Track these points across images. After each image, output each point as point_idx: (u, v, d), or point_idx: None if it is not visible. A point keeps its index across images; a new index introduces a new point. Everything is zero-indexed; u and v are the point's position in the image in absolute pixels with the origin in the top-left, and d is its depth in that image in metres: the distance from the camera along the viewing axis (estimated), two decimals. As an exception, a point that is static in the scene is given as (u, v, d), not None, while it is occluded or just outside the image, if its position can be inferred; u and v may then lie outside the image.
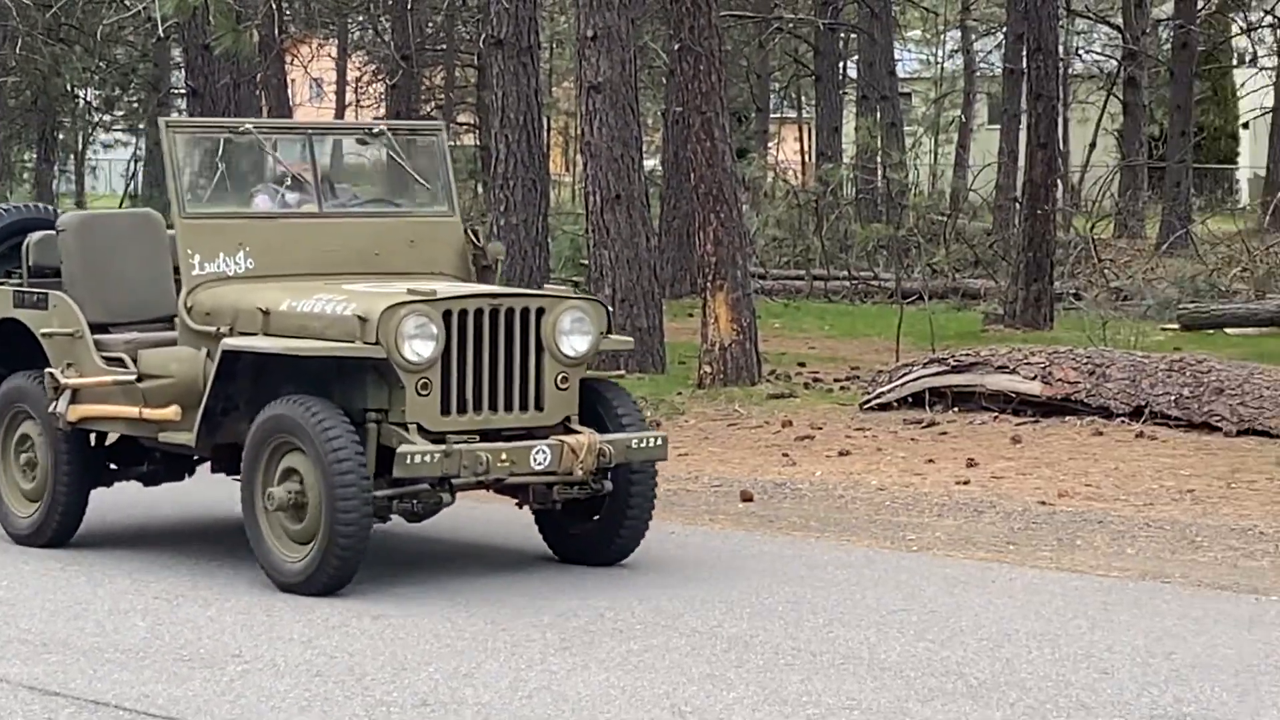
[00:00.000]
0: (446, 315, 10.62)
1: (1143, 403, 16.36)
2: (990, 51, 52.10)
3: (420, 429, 10.59)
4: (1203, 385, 16.21)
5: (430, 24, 42.27)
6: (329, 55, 53.21)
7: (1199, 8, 38.81)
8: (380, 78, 47.42)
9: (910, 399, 17.79)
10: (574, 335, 11.05)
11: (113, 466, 12.56)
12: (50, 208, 14.53)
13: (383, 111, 44.52)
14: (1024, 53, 27.52)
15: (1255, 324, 25.75)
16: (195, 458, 12.16)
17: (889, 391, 17.96)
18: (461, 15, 41.17)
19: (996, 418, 16.92)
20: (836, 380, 20.83)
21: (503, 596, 10.98)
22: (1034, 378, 17.03)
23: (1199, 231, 35.89)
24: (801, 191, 36.26)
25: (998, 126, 43.10)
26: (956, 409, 17.41)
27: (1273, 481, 14.14)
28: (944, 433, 16.62)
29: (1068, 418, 16.71)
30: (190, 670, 9.36)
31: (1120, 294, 27.83)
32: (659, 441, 11.36)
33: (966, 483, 14.41)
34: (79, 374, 11.58)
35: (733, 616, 10.41)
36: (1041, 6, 25.83)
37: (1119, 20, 39.06)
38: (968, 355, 18.06)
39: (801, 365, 22.30)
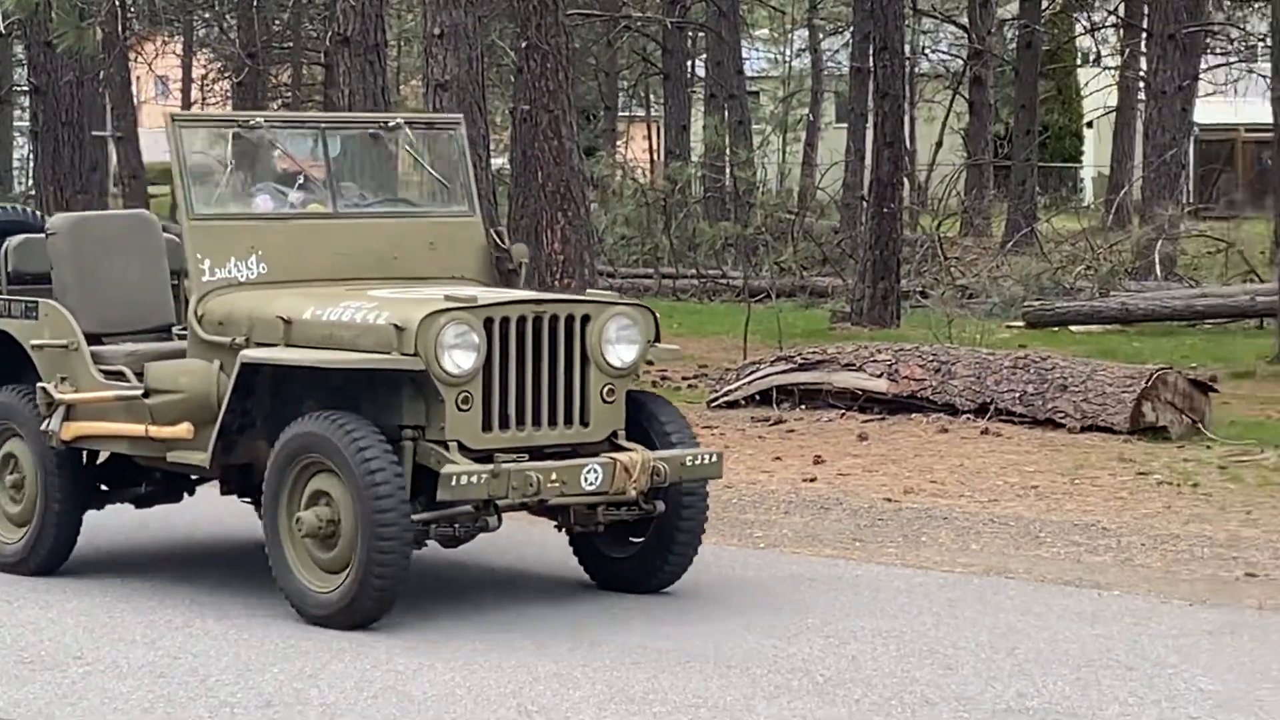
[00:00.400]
0: (488, 323, 9.81)
1: (988, 400, 16.53)
2: (837, 51, 52.36)
3: (460, 447, 9.78)
4: (1047, 382, 16.40)
5: (276, 21, 42.16)
6: (174, 53, 52.79)
7: (1043, 8, 39.28)
8: (226, 75, 47.16)
9: (758, 397, 17.88)
10: (621, 344, 10.31)
11: (103, 488, 11.64)
12: (30, 209, 13.49)
13: (229, 109, 44.15)
14: (870, 52, 27.70)
15: (1099, 321, 26.05)
16: (196, 479, 11.48)
17: (736, 389, 18.06)
18: (308, 13, 41.11)
19: (843, 415, 17.05)
20: (685, 378, 20.87)
21: None
22: (880, 375, 17.21)
23: (1044, 230, 36.19)
24: (650, 190, 36.17)
25: (845, 125, 43.36)
26: (804, 406, 17.50)
27: (1115, 477, 14.34)
28: (791, 430, 16.69)
29: (914, 415, 16.86)
30: (31, 673, 9.20)
31: (966, 292, 28.01)
32: (714, 458, 10.57)
33: (813, 480, 14.51)
34: (75, 389, 10.75)
35: (581, 615, 10.43)
36: (887, 6, 25.96)
37: (964, 20, 39.33)
38: (815, 353, 18.20)
39: (649, 363, 22.26)
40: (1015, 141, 39.15)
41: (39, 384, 10.77)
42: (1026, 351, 18.55)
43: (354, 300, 10.12)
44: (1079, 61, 51.18)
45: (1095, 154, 55.46)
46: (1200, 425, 16.00)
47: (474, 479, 9.55)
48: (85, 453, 11.26)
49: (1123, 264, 30.42)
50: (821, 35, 53.10)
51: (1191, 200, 41.99)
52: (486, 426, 9.84)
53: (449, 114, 12.68)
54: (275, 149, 11.10)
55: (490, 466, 9.62)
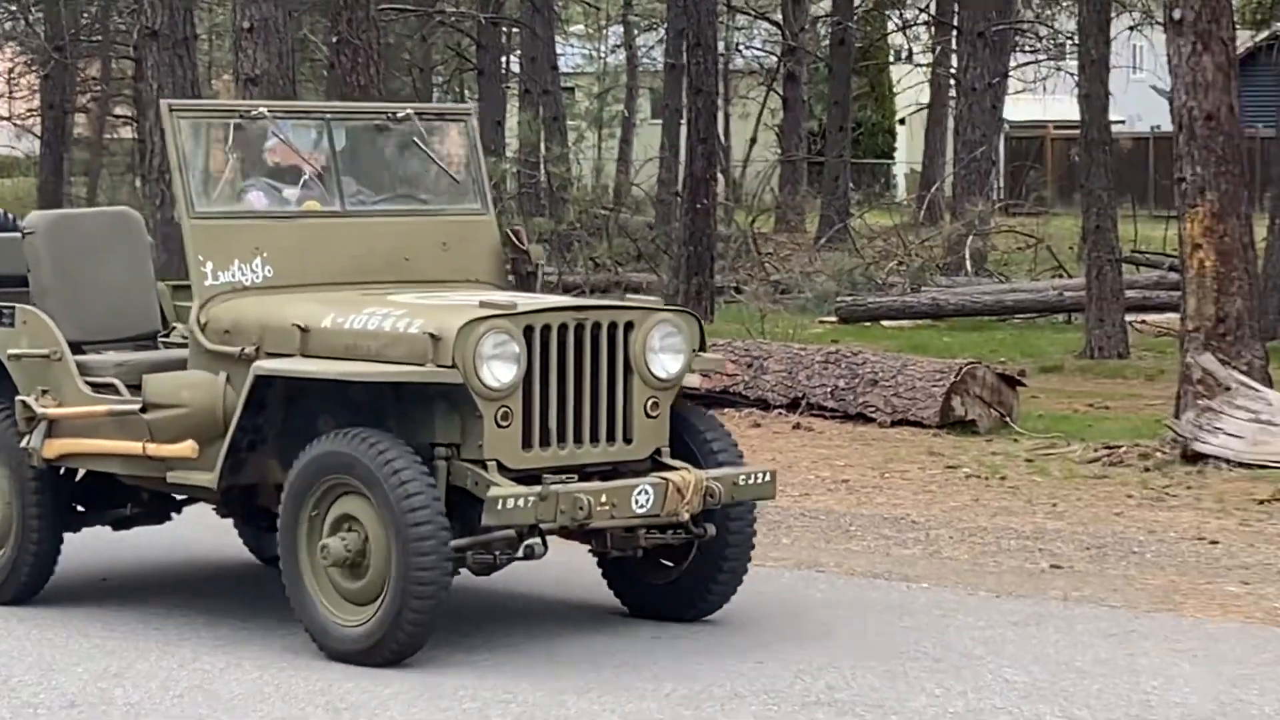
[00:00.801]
0: (528, 332, 8.94)
1: (800, 394, 16.77)
2: (652, 47, 52.44)
3: (499, 466, 8.90)
4: (858, 377, 16.64)
5: (85, 14, 41.72)
6: (-24, 46, 51.97)
7: (856, 5, 39.58)
8: (33, 69, 46.53)
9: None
10: (665, 354, 9.44)
11: (81, 509, 10.54)
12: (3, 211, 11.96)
13: (36, 104, 43.78)
14: (684, 48, 27.80)
15: (910, 316, 26.45)
16: (186, 500, 10.53)
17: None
18: (117, 5, 40.65)
19: (655, 410, 16.97)
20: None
21: (157, 595, 10.61)
22: (693, 370, 17.17)
23: (856, 225, 36.52)
24: (463, 186, 36.06)
25: (660, 121, 43.49)
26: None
27: (924, 471, 14.62)
28: (604, 426, 16.59)
29: (726, 410, 16.88)
30: None
31: (779, 287, 28.27)
32: (767, 477, 9.75)
33: (628, 476, 14.40)
34: (59, 402, 9.73)
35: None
36: (700, 3, 26.19)
37: (778, 17, 39.69)
38: (627, 348, 18.17)
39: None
40: (829, 138, 39.52)
41: (17, 398, 9.79)
42: (838, 347, 18.80)
43: (378, 307, 9.24)
44: (891, 59, 51.67)
45: (908, 150, 56.13)
46: (1008, 419, 16.34)
47: (521, 503, 8.70)
48: (63, 471, 10.20)
49: (934, 260, 30.86)
50: (636, 31, 53.25)
51: (1002, 196, 42.66)
52: (527, 444, 9.00)
53: (460, 105, 11.75)
54: (278, 141, 10.04)
55: (538, 489, 8.80)
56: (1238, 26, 35.63)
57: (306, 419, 9.19)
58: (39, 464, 9.74)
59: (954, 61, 34.91)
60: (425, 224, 10.20)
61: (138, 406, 9.34)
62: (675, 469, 9.33)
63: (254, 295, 9.48)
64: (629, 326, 9.27)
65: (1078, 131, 24.73)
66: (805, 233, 38.25)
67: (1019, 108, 51.65)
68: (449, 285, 9.90)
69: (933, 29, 41.32)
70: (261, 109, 10.04)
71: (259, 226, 9.69)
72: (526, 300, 9.32)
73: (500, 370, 8.71)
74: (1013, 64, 39.84)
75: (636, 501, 9.00)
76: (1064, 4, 39.74)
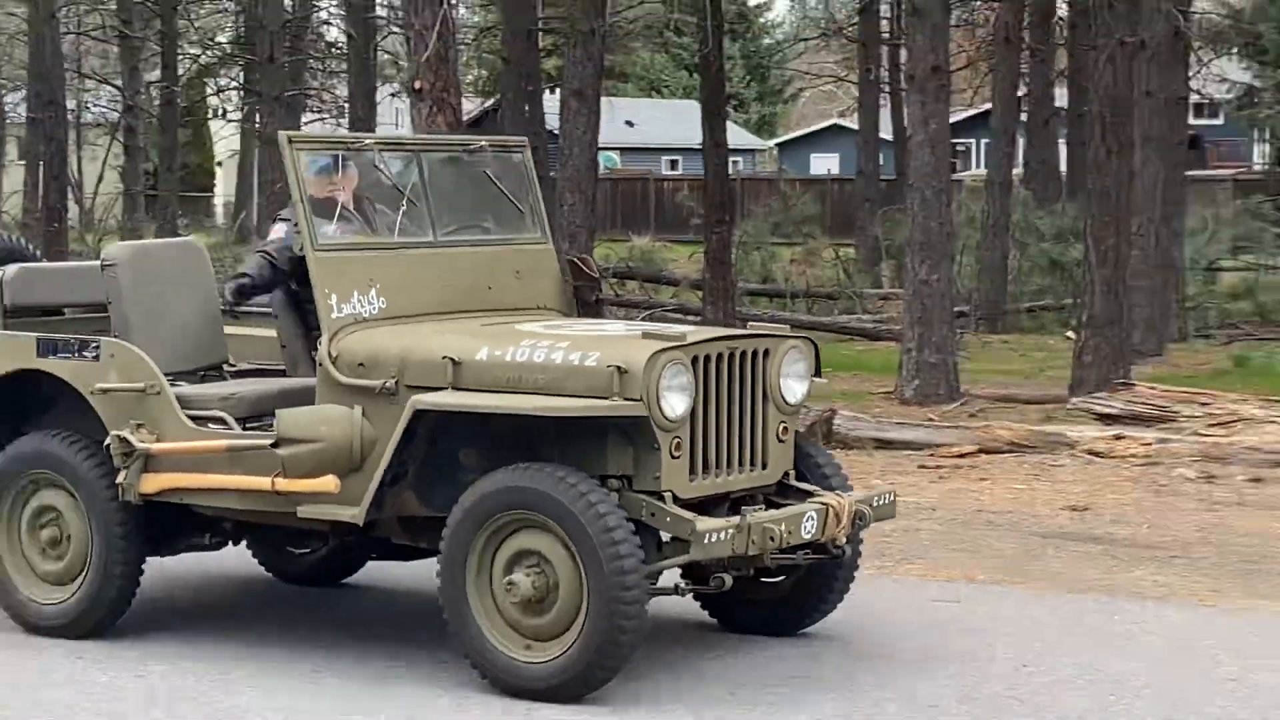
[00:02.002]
0: (694, 362, 7.59)
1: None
2: (19, 103, 52.12)
3: (673, 497, 7.53)
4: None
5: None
6: None
7: (180, 74, 40.32)
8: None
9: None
10: (792, 379, 8.07)
11: (157, 539, 8.66)
12: (19, 238, 10.22)
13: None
14: (40, 105, 28.51)
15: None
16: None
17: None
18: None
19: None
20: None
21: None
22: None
23: (183, 244, 37.36)
24: None
25: (23, 162, 43.60)
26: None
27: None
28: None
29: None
30: None
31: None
32: (892, 499, 8.64)
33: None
34: (156, 437, 7.98)
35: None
36: (52, 69, 27.27)
37: (120, 81, 40.02)
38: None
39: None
40: (161, 176, 40.12)
41: (113, 433, 7.97)
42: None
43: (539, 339, 7.69)
44: (210, 115, 52.37)
45: (225, 185, 57.03)
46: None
47: (724, 535, 7.42)
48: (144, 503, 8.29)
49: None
50: (5, 90, 52.75)
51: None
52: (693, 473, 7.64)
53: (517, 137, 9.63)
54: (380, 172, 8.55)
55: (737, 520, 7.54)
56: (469, 95, 37.66)
57: (449, 452, 7.75)
58: (135, 499, 8.01)
59: (257, 118, 35.89)
60: (501, 253, 8.80)
61: (269, 442, 7.63)
62: (819, 495, 8.11)
63: (378, 327, 7.98)
64: (766, 354, 8.01)
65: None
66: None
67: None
68: (527, 312, 8.60)
69: (242, 93, 42.29)
70: (368, 140, 8.84)
71: (370, 258, 8.22)
72: (687, 331, 7.91)
73: (677, 402, 7.44)
74: (305, 121, 41.33)
75: (805, 528, 7.80)
76: (340, 74, 41.09)
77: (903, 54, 23.32)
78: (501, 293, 8.61)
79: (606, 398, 7.30)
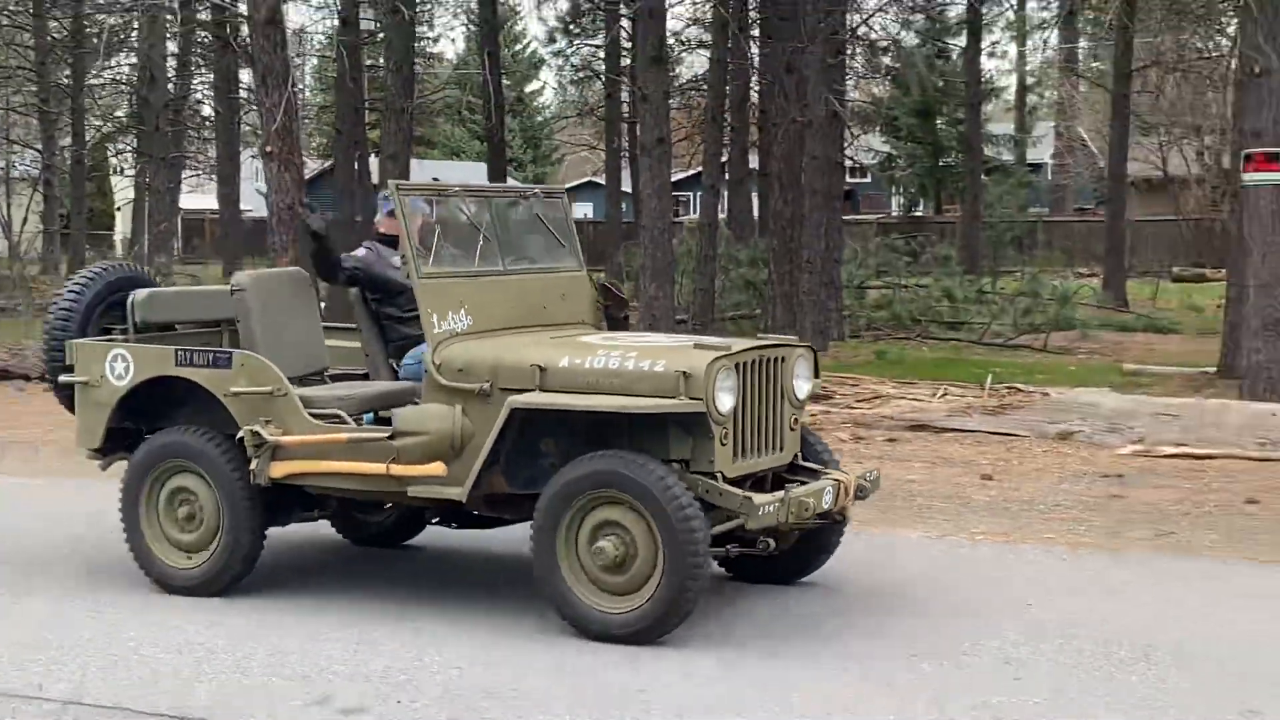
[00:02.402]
0: (737, 368, 7.29)
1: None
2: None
3: (722, 476, 7.22)
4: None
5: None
6: None
7: (87, 140, 39.17)
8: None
9: None
10: (801, 379, 7.80)
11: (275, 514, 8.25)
12: (139, 266, 9.64)
13: None
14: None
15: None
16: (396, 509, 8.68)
17: None
18: None
19: None
20: None
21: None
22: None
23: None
24: None
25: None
26: None
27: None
28: None
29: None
30: None
31: (40, 306, 28.01)
32: (877, 475, 8.27)
33: None
34: (283, 431, 7.59)
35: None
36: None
37: (40, 146, 38.68)
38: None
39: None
40: (73, 219, 38.79)
41: (246, 427, 7.58)
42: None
43: (607, 350, 7.31)
44: (111, 172, 50.94)
45: (123, 226, 55.35)
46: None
47: (773, 508, 7.10)
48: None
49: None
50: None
51: (180, 254, 43.11)
52: (735, 457, 7.33)
53: (557, 186, 8.77)
54: (461, 213, 8.16)
55: (781, 494, 7.22)
56: (310, 156, 37.20)
57: (532, 442, 7.36)
58: (264, 483, 7.64)
59: (147, 175, 34.92)
60: (550, 279, 8.40)
61: (387, 435, 7.36)
62: (828, 472, 7.83)
63: (467, 340, 7.57)
64: (783, 360, 7.70)
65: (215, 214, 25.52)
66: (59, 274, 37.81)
67: (191, 198, 52.61)
68: (573, 326, 8.22)
69: (135, 155, 41.21)
70: (455, 187, 8.27)
71: (460, 283, 7.79)
72: (731, 343, 7.52)
73: (727, 399, 7.13)
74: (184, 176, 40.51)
75: (825, 500, 7.50)
76: (211, 140, 40.33)
77: (637, 129, 23.41)
78: (553, 311, 8.24)
79: (674, 397, 6.97)
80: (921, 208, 47.45)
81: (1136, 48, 26.98)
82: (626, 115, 35.72)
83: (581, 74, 39.57)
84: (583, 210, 65.46)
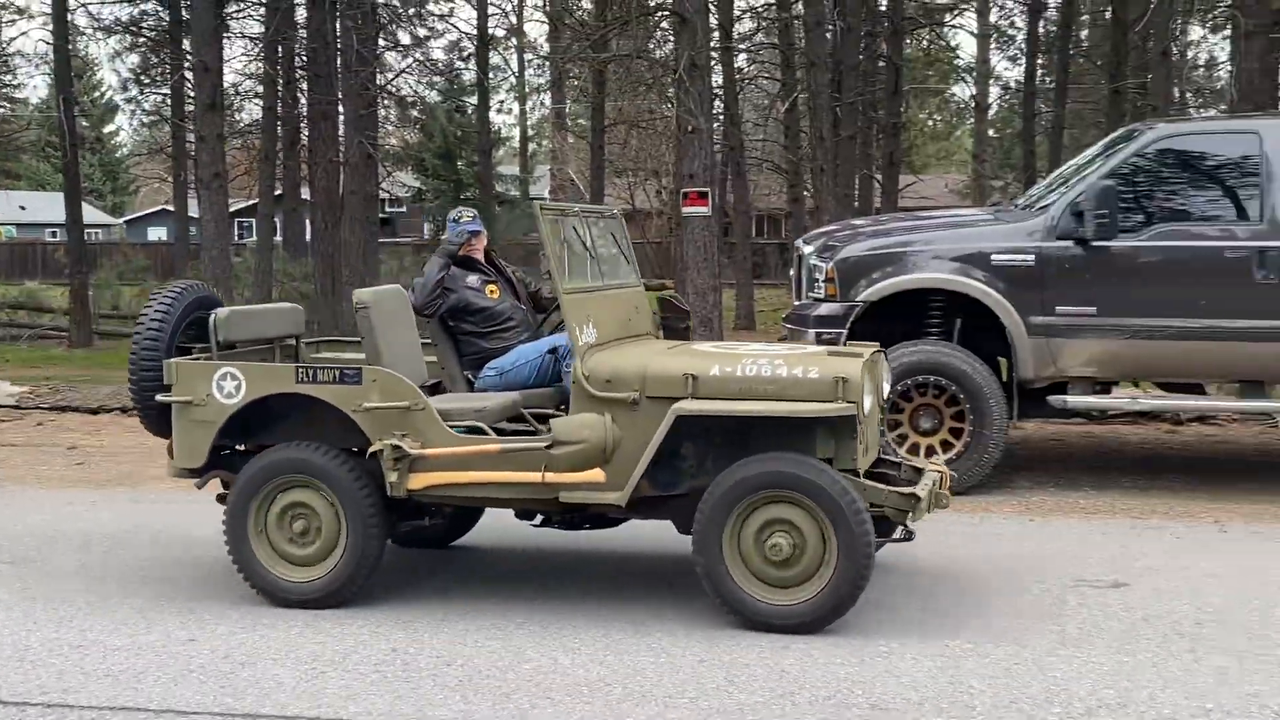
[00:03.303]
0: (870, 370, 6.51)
1: None
2: None
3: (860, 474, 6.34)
4: None
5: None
6: None
7: None
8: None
9: None
10: (886, 381, 6.93)
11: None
12: (209, 285, 7.95)
13: None
14: None
15: None
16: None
17: None
18: None
19: None
20: None
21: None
22: None
23: None
24: None
25: None
26: None
27: None
28: None
29: None
30: None
31: None
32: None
33: None
34: (421, 444, 6.30)
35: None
36: None
37: None
38: None
39: None
40: None
41: (386, 441, 6.27)
42: None
43: (753, 359, 6.29)
44: None
45: None
46: None
47: (924, 499, 6.30)
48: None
49: None
50: None
51: None
52: (862, 454, 6.45)
53: (612, 206, 7.02)
54: (576, 233, 6.97)
55: (929, 487, 6.41)
56: None
57: (674, 446, 6.29)
58: (402, 494, 6.34)
59: None
60: (629, 294, 7.39)
61: (545, 444, 6.21)
62: (915, 463, 6.94)
63: (604, 351, 6.51)
64: (877, 364, 6.80)
65: None
66: None
67: None
68: (639, 339, 7.22)
69: None
70: (576, 208, 7.10)
71: (589, 298, 6.76)
72: (860, 350, 6.57)
73: (868, 402, 6.33)
74: None
75: (943, 489, 6.62)
76: None
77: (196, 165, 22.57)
78: (634, 324, 7.29)
79: (830, 401, 6.02)
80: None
81: (608, 109, 28.17)
82: (190, 153, 34.25)
83: (151, 118, 37.70)
84: (156, 234, 63.17)
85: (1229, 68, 19.01)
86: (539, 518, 6.69)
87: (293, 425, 6.55)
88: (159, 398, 6.51)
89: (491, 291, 7.28)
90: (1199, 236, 8.76)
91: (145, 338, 6.66)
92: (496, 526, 7.68)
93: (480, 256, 7.49)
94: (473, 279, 7.39)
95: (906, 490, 6.18)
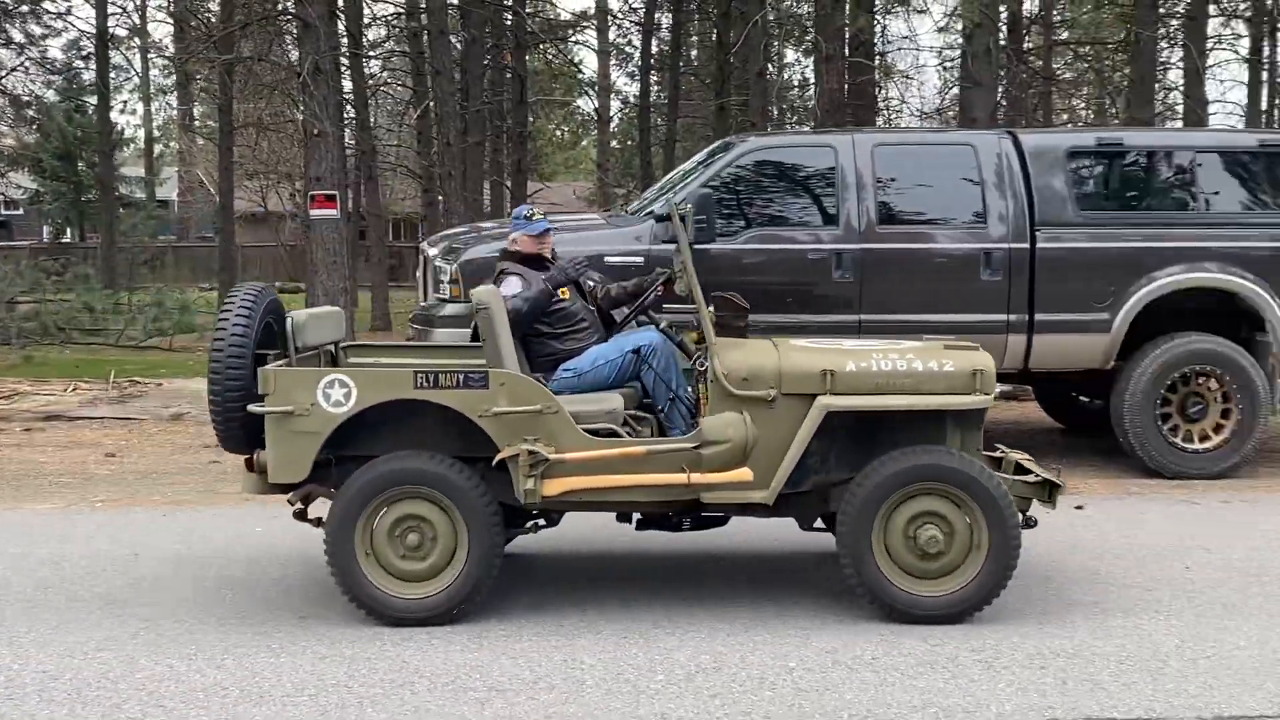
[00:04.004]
0: None
1: None
2: None
3: None
4: None
5: None
6: None
7: None
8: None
9: None
10: None
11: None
12: (273, 290, 6.31)
13: None
14: None
15: None
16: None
17: None
18: None
19: None
20: None
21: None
22: None
23: None
24: None
25: None
26: None
27: None
28: None
29: None
30: None
31: None
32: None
33: None
34: (557, 449, 5.62)
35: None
36: None
37: None
38: None
39: None
40: None
41: (522, 446, 5.58)
42: None
43: (883, 354, 5.86)
44: None
45: None
46: None
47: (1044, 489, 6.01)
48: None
49: None
50: None
51: None
52: None
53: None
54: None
55: (1059, 472, 6.15)
56: None
57: (823, 442, 5.86)
58: (536, 501, 5.66)
59: None
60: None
61: (694, 445, 5.72)
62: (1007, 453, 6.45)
63: (732, 350, 5.92)
64: None
65: None
66: None
67: None
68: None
69: None
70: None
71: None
72: (968, 342, 6.20)
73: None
74: None
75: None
76: None
77: None
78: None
79: (968, 394, 5.78)
80: (69, 235, 44.75)
81: (237, 111, 26.99)
82: None
83: None
84: None
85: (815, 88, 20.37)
86: (636, 518, 6.25)
87: (392, 434, 5.84)
88: (252, 408, 5.69)
89: (563, 293, 6.77)
90: (788, 240, 9.15)
91: (230, 344, 5.81)
92: (83, 537, 7.39)
93: (549, 255, 6.97)
94: (544, 278, 6.76)
95: (1039, 478, 6.00)
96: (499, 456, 5.62)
